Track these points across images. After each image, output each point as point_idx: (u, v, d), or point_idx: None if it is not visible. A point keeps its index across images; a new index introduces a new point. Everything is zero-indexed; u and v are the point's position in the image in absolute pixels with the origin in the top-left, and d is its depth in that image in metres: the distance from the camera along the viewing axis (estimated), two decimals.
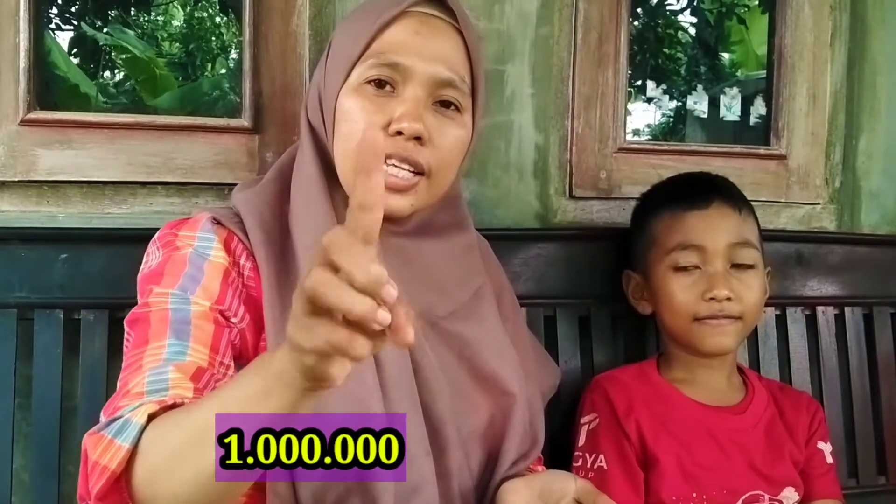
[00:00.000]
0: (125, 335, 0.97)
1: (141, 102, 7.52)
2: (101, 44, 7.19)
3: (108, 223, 1.36)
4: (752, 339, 1.59)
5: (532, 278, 1.49)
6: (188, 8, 9.33)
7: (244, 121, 1.41)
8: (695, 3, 6.23)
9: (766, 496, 1.31)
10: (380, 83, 0.99)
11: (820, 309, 1.65)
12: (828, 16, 1.71)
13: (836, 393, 1.63)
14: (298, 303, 0.65)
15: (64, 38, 6.45)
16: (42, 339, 1.27)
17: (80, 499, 0.83)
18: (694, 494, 1.28)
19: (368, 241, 0.62)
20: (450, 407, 1.02)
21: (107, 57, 7.95)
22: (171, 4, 8.99)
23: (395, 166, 0.98)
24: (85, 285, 1.29)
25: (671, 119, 9.43)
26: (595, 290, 1.52)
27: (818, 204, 1.73)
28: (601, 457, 1.30)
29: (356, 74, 0.99)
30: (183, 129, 1.40)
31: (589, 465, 1.30)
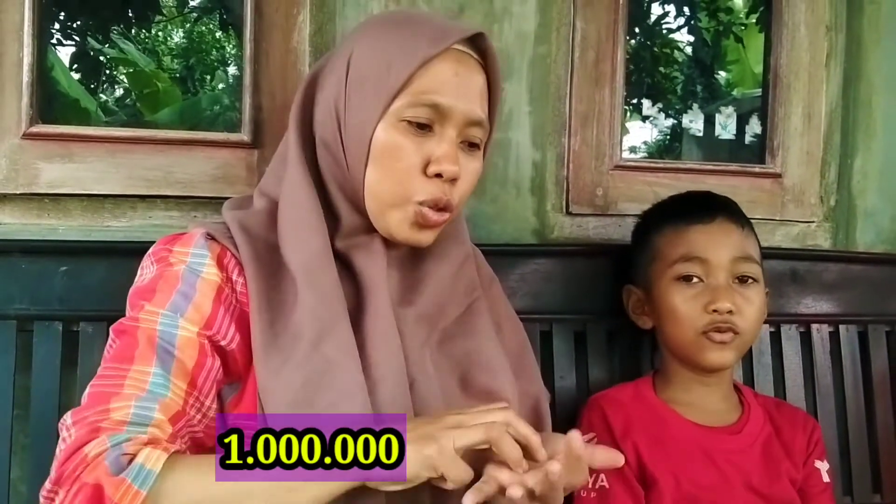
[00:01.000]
0: (109, 341, 0.97)
1: (141, 118, 7.54)
2: (103, 58, 7.21)
3: (108, 236, 1.37)
4: (747, 356, 1.59)
5: (529, 294, 1.50)
6: (188, 24, 9.37)
7: (244, 135, 1.42)
8: (692, 22, 6.25)
9: None
10: (420, 124, 0.99)
11: (815, 326, 1.66)
12: (823, 36, 1.73)
13: (831, 410, 1.64)
14: (457, 434, 0.86)
15: (65, 53, 6.46)
16: (41, 351, 1.28)
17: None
18: None
19: None
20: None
21: (108, 72, 7.98)
22: (172, 20, 9.02)
23: (432, 208, 1.00)
24: (84, 298, 1.29)
25: (667, 137, 9.46)
26: (591, 305, 1.52)
27: (813, 222, 1.74)
28: (602, 476, 1.29)
29: (395, 109, 0.98)
30: (183, 143, 1.41)
31: (590, 486, 1.29)
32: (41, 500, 0.86)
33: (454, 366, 1.07)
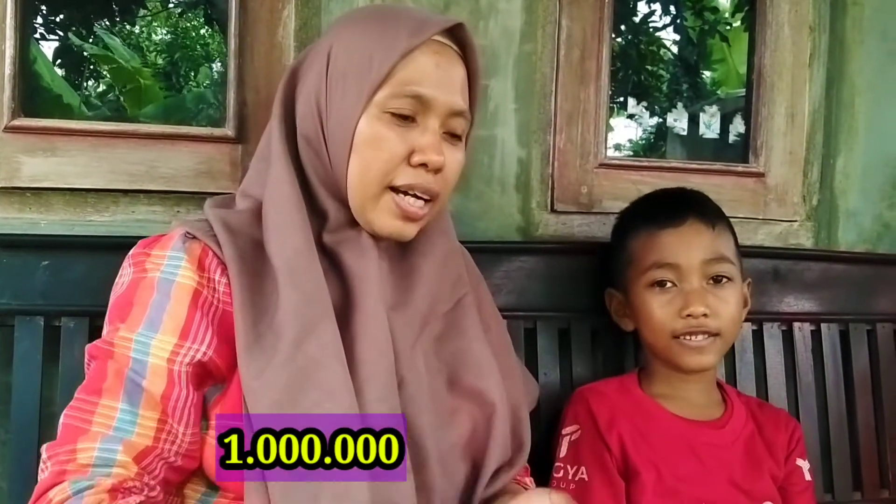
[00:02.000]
0: (86, 360, 0.98)
1: (125, 113, 7.49)
2: (86, 53, 7.16)
3: (91, 231, 1.36)
4: (729, 355, 1.60)
5: (513, 291, 1.50)
6: (173, 19, 9.32)
7: (228, 130, 1.42)
8: (678, 21, 6.27)
9: None
10: (402, 115, 0.99)
11: (796, 325, 1.67)
12: (807, 36, 1.74)
13: (812, 408, 1.65)
14: None
15: (48, 48, 6.42)
16: (22, 346, 1.27)
17: None
18: None
19: None
20: (431, 421, 1.02)
21: (91, 67, 7.92)
22: (156, 15, 8.97)
23: (416, 197, 1.01)
24: (66, 292, 1.28)
25: (652, 136, 9.49)
26: (575, 303, 1.53)
27: (795, 221, 1.76)
28: (582, 468, 1.30)
29: (378, 101, 0.98)
30: (166, 137, 1.40)
31: (570, 477, 1.31)
32: None
33: (443, 365, 1.07)
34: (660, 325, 1.33)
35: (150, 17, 8.88)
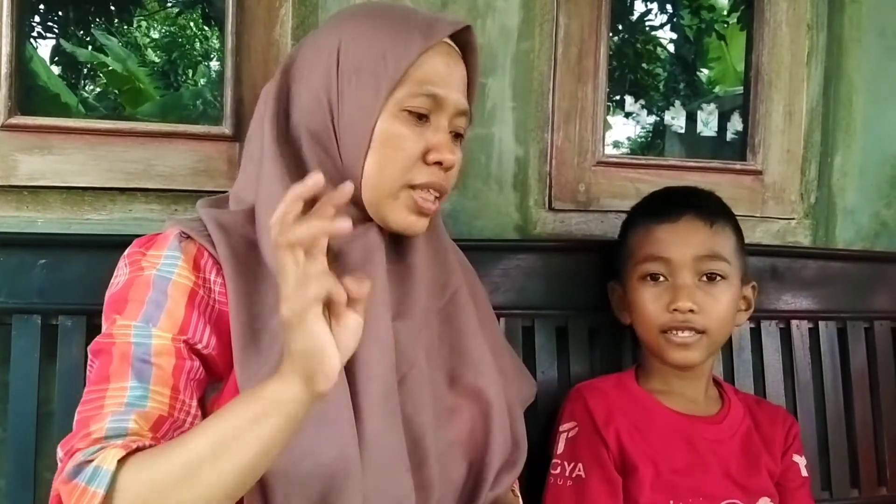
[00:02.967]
0: (89, 361, 0.96)
1: (122, 112, 7.49)
2: (80, 60, 7.15)
3: (88, 229, 1.36)
4: (727, 352, 1.60)
5: (511, 289, 1.50)
6: (171, 18, 9.31)
7: (225, 128, 1.42)
8: (675, 20, 6.28)
9: None
10: (419, 114, 1.00)
11: (794, 323, 1.67)
12: (805, 34, 1.74)
13: (810, 406, 1.65)
14: (282, 277, 0.77)
15: (45, 47, 6.41)
16: (19, 345, 1.27)
17: None
18: (671, 502, 1.29)
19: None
20: (431, 419, 1.02)
21: (88, 67, 7.91)
22: (153, 14, 8.96)
23: (427, 192, 1.02)
24: (63, 291, 1.28)
25: (650, 134, 9.50)
26: (573, 301, 1.53)
27: (793, 219, 1.76)
28: (580, 465, 1.31)
29: (395, 99, 0.99)
30: (163, 136, 1.40)
31: (567, 474, 1.31)
32: None
33: (442, 361, 1.08)
34: (649, 318, 1.34)
35: (147, 16, 8.87)
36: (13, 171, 1.33)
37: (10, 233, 1.32)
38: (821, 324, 1.69)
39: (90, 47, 7.35)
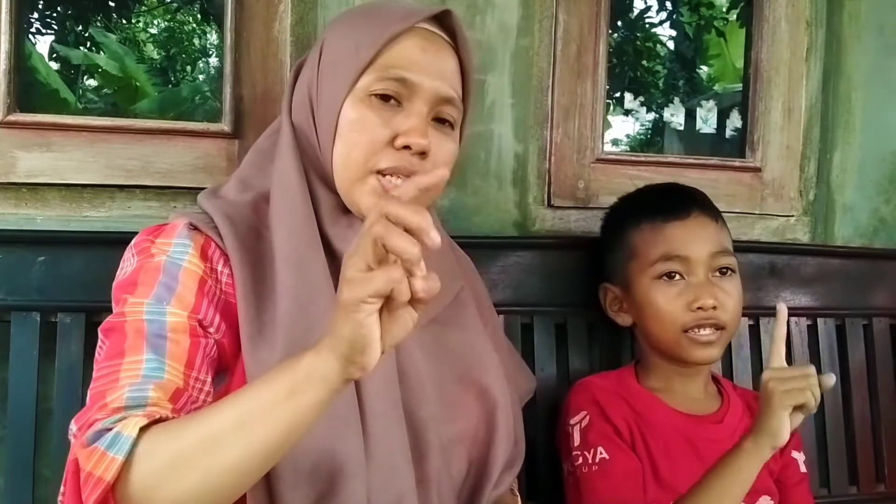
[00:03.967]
0: (99, 342, 0.96)
1: (120, 108, 7.49)
2: (73, 63, 7.16)
3: (87, 226, 1.36)
4: (726, 349, 1.60)
5: (510, 286, 1.50)
6: (170, 14, 9.31)
7: (224, 125, 1.42)
8: (674, 17, 6.29)
9: None
10: (386, 97, 1.00)
11: (793, 320, 1.67)
12: (804, 31, 1.74)
13: None
14: (354, 259, 0.76)
15: (44, 43, 6.41)
16: (18, 342, 1.27)
17: None
18: (672, 502, 1.29)
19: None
20: (433, 413, 1.02)
21: (85, 64, 7.92)
22: (152, 10, 8.96)
23: (395, 177, 1.00)
24: (62, 288, 1.28)
25: (649, 131, 9.52)
26: (572, 298, 1.53)
27: (792, 216, 1.76)
28: (600, 449, 1.29)
29: (362, 85, 1.00)
30: (162, 132, 1.40)
31: (591, 461, 1.29)
32: None
33: (446, 357, 1.08)
34: (669, 318, 1.33)
35: (146, 12, 8.87)
36: (12, 169, 1.33)
37: (9, 230, 1.32)
38: (819, 321, 1.69)
39: (88, 44, 7.35)
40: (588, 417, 1.33)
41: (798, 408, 1.12)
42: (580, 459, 1.31)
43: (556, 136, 1.59)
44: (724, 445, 1.33)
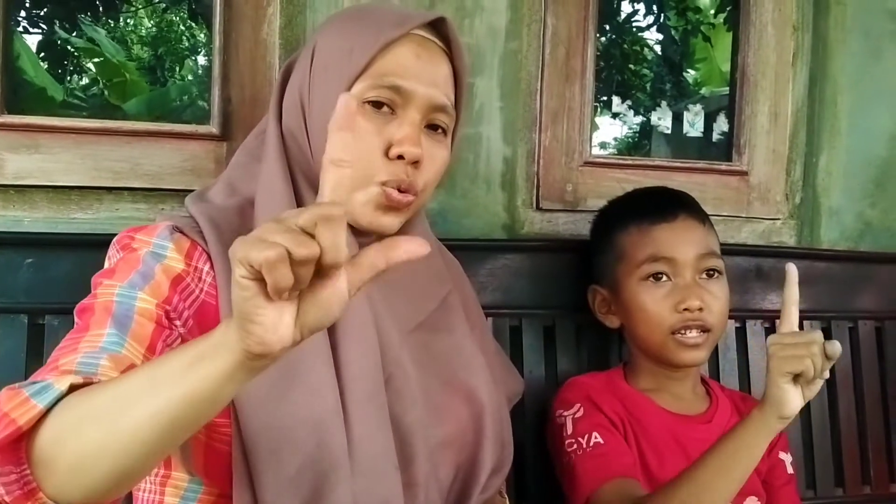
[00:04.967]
0: (75, 323, 0.95)
1: (109, 107, 7.46)
2: (70, 48, 7.12)
3: (74, 228, 1.36)
4: (713, 351, 1.60)
5: (499, 288, 1.50)
6: (157, 14, 9.29)
7: (212, 127, 1.41)
8: (661, 21, 6.31)
9: None
10: (378, 104, 0.99)
11: (779, 322, 1.68)
12: (790, 36, 1.75)
13: None
14: (268, 226, 0.65)
15: (32, 40, 6.38)
16: (6, 344, 1.26)
17: None
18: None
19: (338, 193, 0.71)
20: (420, 417, 1.02)
21: (75, 61, 7.88)
22: (140, 10, 8.93)
23: (398, 190, 0.99)
24: (50, 290, 1.28)
25: (637, 134, 9.55)
26: (560, 300, 1.53)
27: (778, 219, 1.77)
28: (594, 434, 1.29)
29: (355, 91, 0.98)
30: (150, 134, 1.40)
31: (585, 446, 1.29)
32: None
33: (433, 361, 1.07)
34: (656, 319, 1.33)
35: (134, 11, 8.84)
36: (0, 170, 1.33)
37: None
38: (805, 323, 1.69)
39: (84, 38, 7.34)
40: (582, 409, 1.33)
41: (799, 376, 1.07)
42: (574, 446, 1.31)
43: (544, 140, 1.59)
44: None
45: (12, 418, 0.74)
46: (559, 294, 1.54)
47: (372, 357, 0.99)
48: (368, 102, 0.98)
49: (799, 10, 1.75)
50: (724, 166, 1.76)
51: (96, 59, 7.80)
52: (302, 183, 1.04)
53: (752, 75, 1.74)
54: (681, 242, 1.34)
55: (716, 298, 1.34)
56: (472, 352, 1.11)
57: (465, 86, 1.07)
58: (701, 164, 1.76)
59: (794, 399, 1.08)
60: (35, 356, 1.27)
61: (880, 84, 1.82)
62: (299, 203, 1.03)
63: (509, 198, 1.58)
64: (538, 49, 1.58)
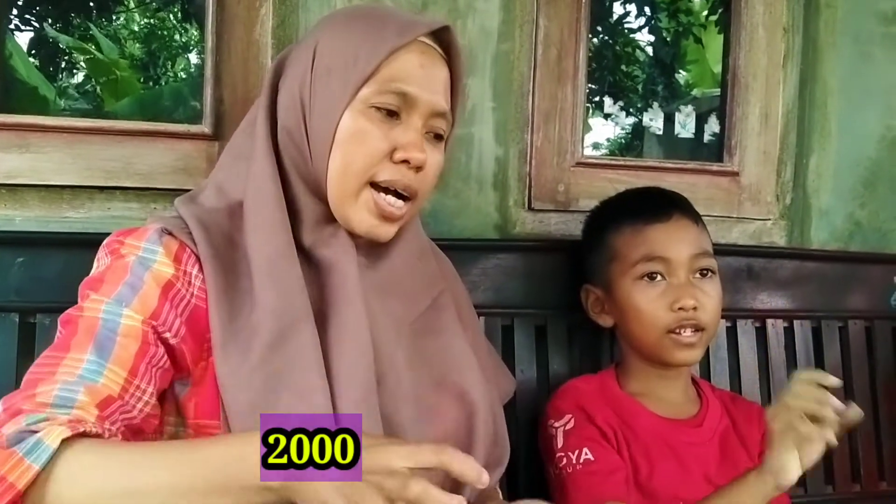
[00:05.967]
0: (57, 332, 0.95)
1: (101, 106, 7.45)
2: (62, 45, 7.10)
3: (66, 227, 1.35)
4: (704, 351, 1.61)
5: (490, 288, 1.50)
6: (150, 13, 9.27)
7: (204, 127, 1.41)
8: (652, 22, 6.33)
9: None
10: (384, 110, 1.00)
11: (770, 322, 1.69)
12: (781, 38, 1.76)
13: None
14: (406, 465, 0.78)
15: (23, 39, 6.36)
16: None
17: None
18: None
19: None
20: (412, 417, 1.02)
21: (67, 59, 7.86)
22: (132, 10, 8.91)
23: (396, 195, 1.01)
24: (41, 289, 1.27)
25: (629, 135, 9.56)
26: (552, 300, 1.54)
27: (769, 220, 1.78)
28: (584, 449, 1.29)
29: (363, 96, 0.99)
30: (143, 134, 1.39)
31: (575, 461, 1.29)
32: None
33: (425, 362, 1.08)
34: (650, 319, 1.34)
35: (126, 11, 8.82)
36: None
37: None
38: (796, 323, 1.71)
39: (75, 35, 7.31)
40: (573, 421, 1.33)
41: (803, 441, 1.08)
42: (564, 461, 1.31)
43: (536, 140, 1.60)
44: (704, 449, 1.35)
45: (10, 482, 0.77)
46: (551, 294, 1.54)
47: (365, 358, 0.99)
48: (374, 107, 0.99)
49: (790, 13, 1.76)
50: (715, 167, 1.77)
51: (87, 57, 7.79)
52: (298, 185, 1.04)
53: (743, 77, 1.75)
54: (675, 242, 1.34)
55: (709, 297, 1.34)
56: (463, 352, 1.11)
57: (460, 90, 1.08)
58: (692, 164, 1.77)
59: (793, 469, 1.08)
60: (26, 355, 1.26)
61: (870, 86, 1.83)
62: (296, 205, 1.04)
63: (501, 198, 1.59)
64: (530, 50, 1.59)
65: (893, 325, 1.78)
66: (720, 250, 1.45)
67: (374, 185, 1.01)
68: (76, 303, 0.98)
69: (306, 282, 0.99)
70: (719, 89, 1.90)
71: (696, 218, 1.39)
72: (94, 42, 7.69)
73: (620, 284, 1.37)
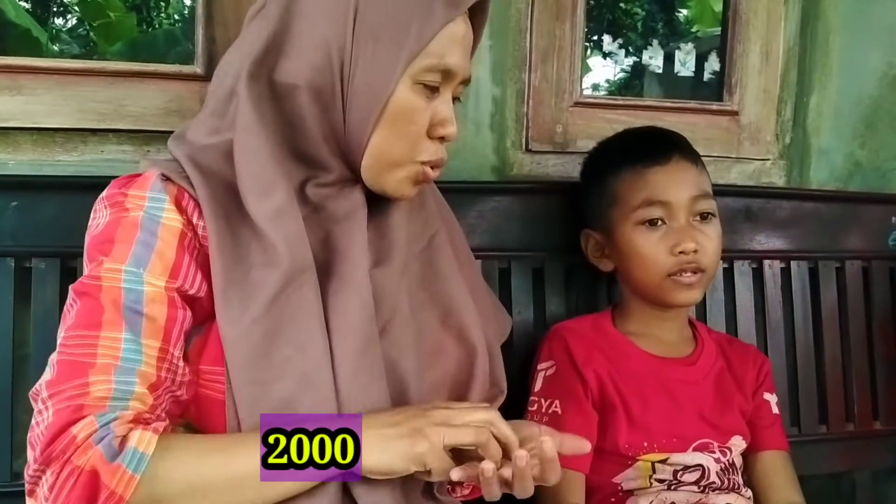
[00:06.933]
0: (69, 300, 0.93)
1: (94, 50, 7.37)
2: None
3: (59, 170, 1.35)
4: None
5: (488, 231, 1.50)
6: None
7: (196, 67, 1.40)
8: None
9: (715, 444, 1.34)
10: (431, 87, 0.98)
11: (766, 262, 1.69)
12: None
13: (781, 344, 1.68)
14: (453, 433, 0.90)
15: None
16: None
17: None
18: (645, 443, 1.31)
19: None
20: (414, 362, 1.02)
21: (59, 1, 7.76)
22: None
23: (432, 168, 1.02)
24: (36, 233, 1.27)
25: (628, 74, 9.48)
26: (549, 242, 1.53)
27: (768, 160, 1.77)
28: (556, 402, 1.32)
29: (413, 72, 0.96)
30: (134, 75, 1.38)
31: (544, 410, 1.32)
32: (26, 479, 0.84)
33: (426, 302, 1.08)
34: (652, 263, 1.33)
35: None
36: None
37: None
38: (793, 263, 1.71)
39: None
40: (555, 368, 1.35)
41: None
42: (535, 406, 1.34)
43: (534, 80, 1.58)
44: (696, 387, 1.37)
45: (120, 495, 0.82)
46: (548, 236, 1.54)
47: (366, 309, 0.97)
48: (422, 84, 0.97)
49: None
50: (714, 106, 1.75)
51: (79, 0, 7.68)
52: (319, 144, 0.99)
53: (744, 13, 1.72)
54: (675, 185, 1.33)
55: (710, 240, 1.34)
56: (459, 293, 1.11)
57: (476, 48, 1.07)
58: (692, 104, 1.75)
59: None
60: (23, 299, 1.27)
61: (872, 23, 1.80)
62: (303, 157, 1.00)
63: (498, 139, 1.57)
64: None
65: (891, 265, 1.77)
66: (718, 191, 1.44)
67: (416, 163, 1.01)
68: (72, 247, 0.97)
69: (308, 230, 0.97)
70: (720, 28, 1.88)
71: (695, 159, 1.37)
72: None
73: (621, 230, 1.36)
